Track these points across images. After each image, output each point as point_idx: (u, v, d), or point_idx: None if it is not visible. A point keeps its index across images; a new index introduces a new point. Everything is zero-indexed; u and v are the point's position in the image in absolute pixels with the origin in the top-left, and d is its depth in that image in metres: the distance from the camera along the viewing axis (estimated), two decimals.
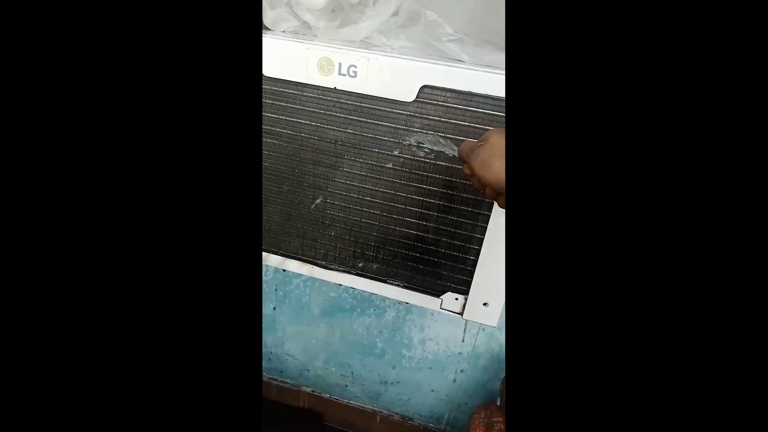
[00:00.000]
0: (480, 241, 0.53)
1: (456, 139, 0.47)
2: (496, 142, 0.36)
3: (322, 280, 1.00)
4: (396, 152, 0.51)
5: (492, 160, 0.35)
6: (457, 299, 0.58)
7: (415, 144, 0.49)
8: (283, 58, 0.49)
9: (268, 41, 0.50)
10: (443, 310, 0.58)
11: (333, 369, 1.09)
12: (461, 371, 0.99)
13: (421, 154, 0.51)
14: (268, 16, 0.66)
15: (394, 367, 1.03)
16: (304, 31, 0.69)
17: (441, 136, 0.47)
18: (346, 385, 1.10)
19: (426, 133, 0.47)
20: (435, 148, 0.47)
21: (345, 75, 0.48)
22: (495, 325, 0.60)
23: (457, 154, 0.43)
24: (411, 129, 0.50)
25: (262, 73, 0.51)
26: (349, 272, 0.61)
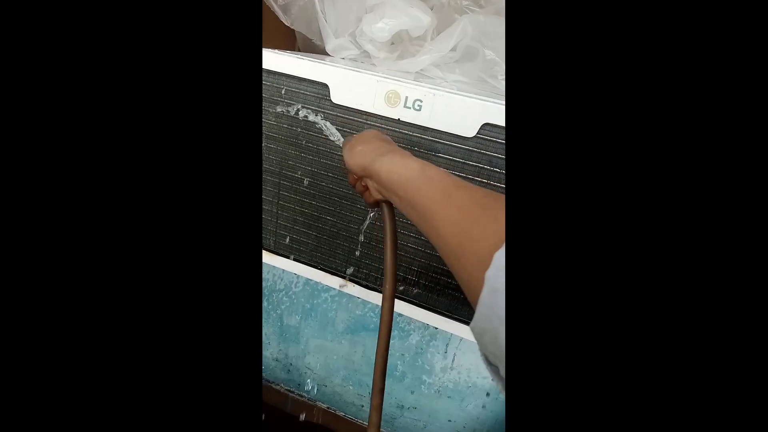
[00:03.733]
0: None
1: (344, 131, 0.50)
2: (366, 132, 0.39)
3: (350, 296, 1.01)
4: None
5: (355, 146, 0.37)
6: None
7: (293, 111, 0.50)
8: (352, 87, 0.52)
9: (336, 71, 0.53)
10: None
11: (351, 387, 1.09)
12: (483, 405, 0.97)
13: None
14: (330, 44, 0.70)
15: (412, 392, 1.02)
16: (362, 59, 0.73)
17: (330, 124, 0.49)
18: (362, 405, 1.10)
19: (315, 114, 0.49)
20: (324, 130, 0.49)
21: (410, 108, 0.50)
22: None
23: (341, 144, 0.45)
24: (467, 162, 0.51)
25: (261, 80, 0.54)
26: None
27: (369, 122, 0.54)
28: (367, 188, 0.39)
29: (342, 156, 0.40)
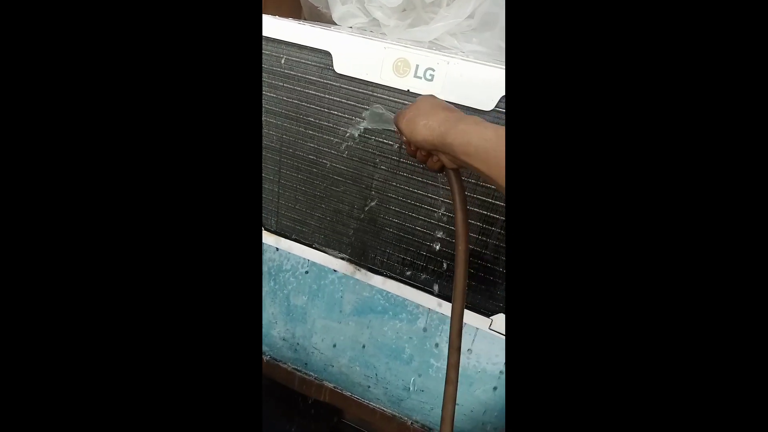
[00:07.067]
0: None
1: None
2: (422, 101, 0.36)
3: (357, 279, 0.99)
4: None
5: (416, 119, 0.35)
6: None
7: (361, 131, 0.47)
8: (356, 56, 0.48)
9: (340, 37, 0.49)
10: (492, 331, 0.56)
11: (357, 368, 1.08)
12: (492, 388, 0.95)
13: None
14: (336, 11, 0.65)
15: (420, 375, 1.01)
16: (372, 27, 0.68)
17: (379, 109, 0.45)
18: (369, 386, 1.10)
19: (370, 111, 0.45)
20: (378, 126, 0.45)
21: (421, 78, 0.46)
22: None
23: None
24: None
25: (261, 60, 0.50)
26: (395, 279, 0.59)
27: (375, 94, 0.49)
28: (429, 157, 0.38)
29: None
